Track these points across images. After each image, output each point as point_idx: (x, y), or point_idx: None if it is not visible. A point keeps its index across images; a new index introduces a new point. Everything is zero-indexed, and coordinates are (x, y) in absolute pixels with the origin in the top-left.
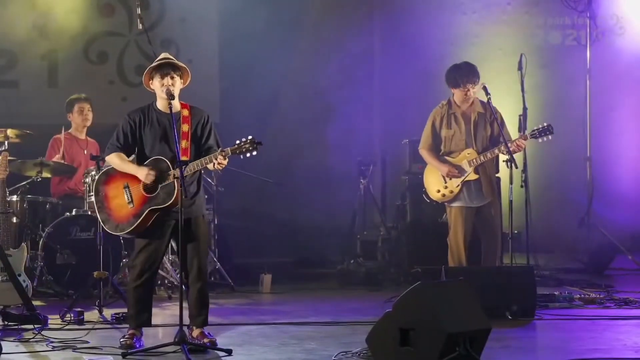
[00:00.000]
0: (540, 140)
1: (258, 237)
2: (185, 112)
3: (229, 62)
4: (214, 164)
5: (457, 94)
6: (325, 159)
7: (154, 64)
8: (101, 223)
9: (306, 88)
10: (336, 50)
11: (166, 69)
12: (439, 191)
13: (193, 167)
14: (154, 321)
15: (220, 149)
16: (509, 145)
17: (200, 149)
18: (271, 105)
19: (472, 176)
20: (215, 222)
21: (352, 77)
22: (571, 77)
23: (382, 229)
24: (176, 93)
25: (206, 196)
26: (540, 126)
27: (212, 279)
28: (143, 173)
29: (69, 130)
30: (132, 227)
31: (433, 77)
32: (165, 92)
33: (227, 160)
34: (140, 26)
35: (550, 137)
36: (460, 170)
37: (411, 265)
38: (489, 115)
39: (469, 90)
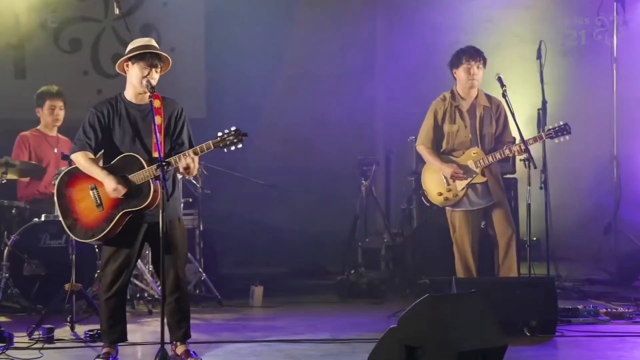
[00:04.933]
0: (557, 140)
1: (248, 245)
2: (157, 103)
3: (216, 51)
4: (183, 162)
5: (460, 78)
6: (323, 159)
7: (137, 52)
8: (67, 230)
9: (302, 80)
10: (334, 38)
11: (152, 59)
12: (440, 194)
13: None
14: (132, 338)
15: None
16: (513, 148)
17: (172, 145)
18: (263, 98)
19: (480, 179)
20: (201, 229)
21: (352, 68)
22: (596, 67)
23: (386, 236)
24: (154, 84)
25: (190, 199)
26: (557, 125)
27: (197, 291)
28: (110, 185)
29: (38, 127)
30: (104, 233)
31: (442, 67)
32: (146, 84)
33: (196, 160)
34: (117, 10)
35: (567, 137)
36: (467, 172)
37: (418, 276)
38: (495, 110)
39: (471, 67)
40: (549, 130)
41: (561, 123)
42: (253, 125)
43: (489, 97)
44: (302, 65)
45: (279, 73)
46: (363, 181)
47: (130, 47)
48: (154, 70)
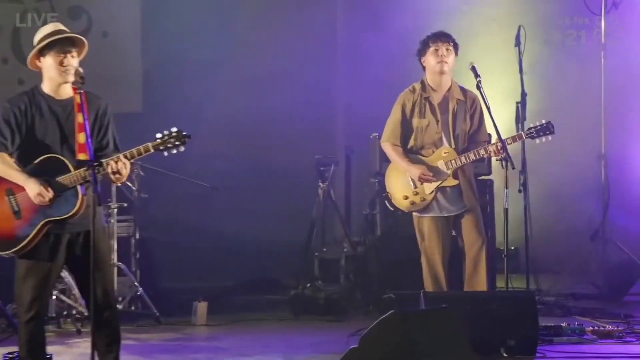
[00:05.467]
0: (538, 141)
1: (191, 255)
2: (79, 98)
3: (155, 37)
4: (114, 167)
5: (428, 64)
6: (275, 158)
7: (48, 40)
8: None
9: (252, 70)
10: (290, 23)
11: (63, 45)
12: (406, 198)
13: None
14: None
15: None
16: (489, 147)
17: (96, 146)
18: (208, 91)
19: (451, 181)
20: (137, 237)
21: (310, 57)
22: (582, 55)
23: (346, 245)
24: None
25: (125, 204)
26: (538, 124)
27: (133, 308)
28: (34, 190)
29: None
30: (22, 244)
31: (410, 56)
32: (76, 73)
33: (128, 165)
34: None
35: (550, 137)
36: (437, 173)
37: (382, 290)
38: (470, 105)
39: (439, 48)
40: (530, 129)
41: (543, 121)
42: (196, 121)
43: (463, 90)
44: (253, 53)
45: (226, 62)
46: (320, 183)
47: (36, 38)
48: (69, 56)
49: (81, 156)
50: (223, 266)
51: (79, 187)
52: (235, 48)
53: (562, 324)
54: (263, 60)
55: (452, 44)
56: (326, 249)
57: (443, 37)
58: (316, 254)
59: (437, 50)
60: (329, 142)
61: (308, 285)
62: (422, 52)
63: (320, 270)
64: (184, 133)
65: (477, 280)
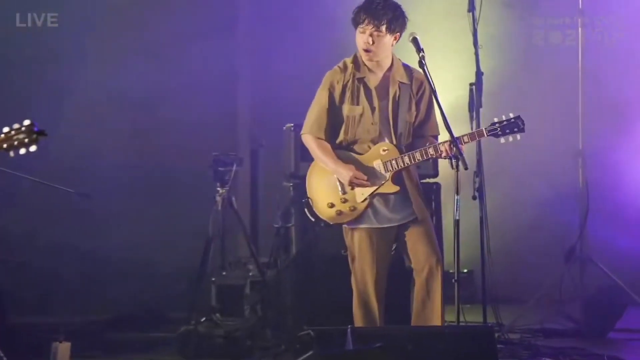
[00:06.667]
0: (503, 140)
1: (50, 282)
2: None
3: None
4: None
5: (358, 42)
6: (161, 156)
7: None
8: None
9: (130, 42)
10: None
11: None
12: (332, 206)
13: None
14: None
15: None
16: (441, 147)
17: None
18: (71, 69)
19: (390, 187)
20: None
21: (204, 24)
22: (553, 26)
23: (252, 267)
24: None
25: None
26: (505, 119)
27: None
28: None
29: None
30: None
31: (340, 20)
32: None
33: None
34: None
35: (518, 136)
36: (373, 176)
37: (298, 325)
38: (417, 88)
39: (364, 33)
40: (494, 124)
41: (511, 115)
42: (58, 107)
43: (408, 69)
44: (132, 20)
45: (96, 32)
46: (219, 188)
47: None
48: None
49: None
50: (92, 295)
51: None
52: (106, 13)
53: None
54: (144, 28)
55: (384, 24)
56: (226, 272)
57: (374, 17)
58: (213, 279)
59: (363, 34)
60: (230, 134)
61: (202, 319)
62: (354, 25)
63: (218, 300)
64: (37, 129)
65: (431, 311)
